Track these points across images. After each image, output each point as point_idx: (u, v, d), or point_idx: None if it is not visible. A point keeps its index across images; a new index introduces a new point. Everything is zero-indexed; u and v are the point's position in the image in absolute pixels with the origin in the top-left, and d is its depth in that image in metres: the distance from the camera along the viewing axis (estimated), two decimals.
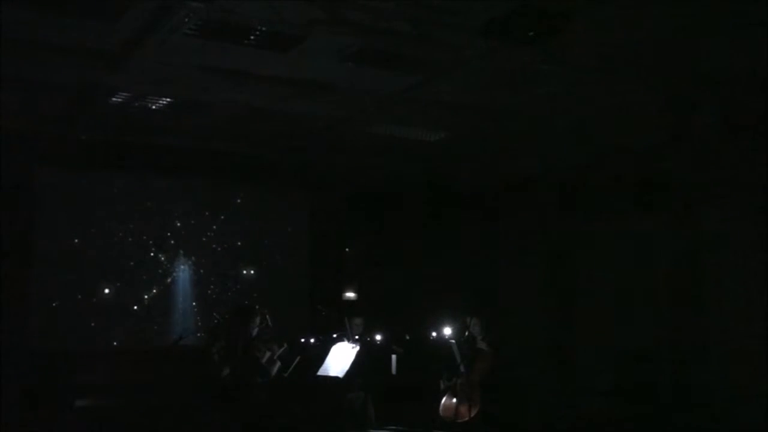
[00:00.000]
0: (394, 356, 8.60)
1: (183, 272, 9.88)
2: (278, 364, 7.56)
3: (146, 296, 9.60)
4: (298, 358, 7.86)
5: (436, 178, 10.90)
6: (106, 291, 9.32)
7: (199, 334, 9.18)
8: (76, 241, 9.19)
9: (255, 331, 7.52)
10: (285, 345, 7.59)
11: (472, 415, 7.48)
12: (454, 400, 7.74)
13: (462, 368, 7.69)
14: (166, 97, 7.71)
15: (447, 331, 8.14)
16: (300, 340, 8.94)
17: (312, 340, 8.93)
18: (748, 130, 7.96)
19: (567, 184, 10.17)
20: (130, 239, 9.53)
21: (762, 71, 6.71)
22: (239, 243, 10.25)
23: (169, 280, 9.79)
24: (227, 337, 7.59)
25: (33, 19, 5.73)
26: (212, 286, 10.05)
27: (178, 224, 9.87)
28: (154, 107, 7.98)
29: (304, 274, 10.52)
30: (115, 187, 9.48)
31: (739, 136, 8.08)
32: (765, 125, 7.75)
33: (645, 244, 9.22)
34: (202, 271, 10.03)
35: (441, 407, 7.86)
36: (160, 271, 9.74)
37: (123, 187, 9.52)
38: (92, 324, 9.20)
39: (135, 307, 9.52)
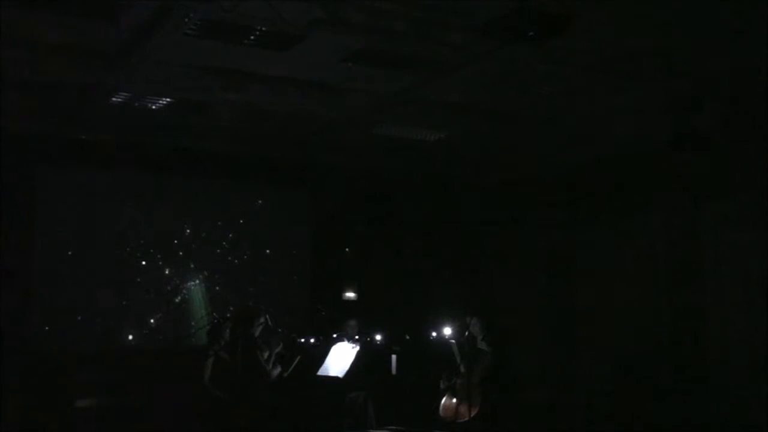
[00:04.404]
0: (394, 356, 8.60)
1: (195, 286, 9.81)
2: (279, 367, 7.58)
3: (153, 317, 9.53)
4: (298, 358, 7.87)
5: (436, 178, 10.90)
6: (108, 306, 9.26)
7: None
8: (73, 251, 9.10)
9: (257, 331, 7.54)
10: (281, 343, 7.61)
11: (472, 415, 7.47)
12: (454, 400, 7.74)
13: (462, 368, 7.69)
14: (166, 97, 7.71)
15: (447, 331, 8.13)
16: (300, 340, 8.94)
17: (312, 340, 8.94)
18: (748, 130, 7.96)
19: (567, 183, 10.17)
20: (136, 249, 9.51)
21: (762, 71, 6.71)
22: (258, 251, 10.12)
23: (178, 298, 9.73)
24: (229, 337, 7.61)
25: (33, 19, 5.73)
26: (231, 307, 9.76)
27: (188, 231, 9.84)
28: (154, 107, 7.98)
29: (304, 274, 10.52)
30: (115, 188, 9.45)
31: (739, 136, 8.08)
32: (765, 125, 7.75)
33: (645, 244, 9.22)
34: (217, 287, 9.95)
35: (441, 407, 7.85)
36: (168, 288, 9.71)
37: (122, 188, 9.49)
38: (94, 326, 9.18)
39: (142, 327, 9.46)
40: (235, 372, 7.36)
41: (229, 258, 10.06)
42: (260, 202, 10.34)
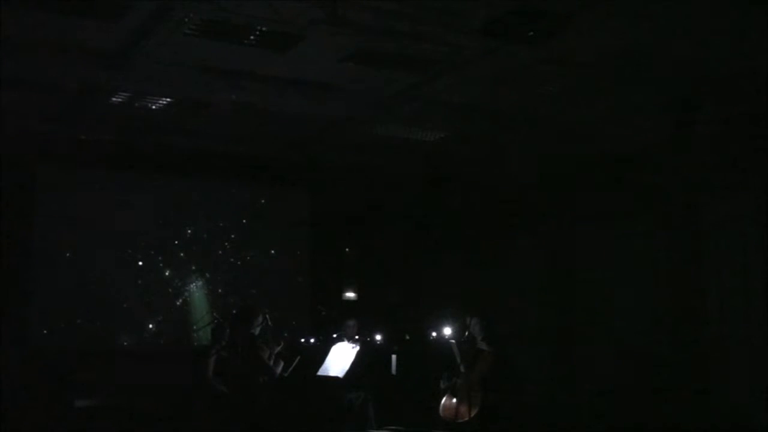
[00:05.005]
0: (394, 356, 8.60)
1: (195, 287, 9.78)
2: (282, 363, 7.60)
3: (153, 319, 9.51)
4: (298, 358, 7.87)
5: (435, 177, 10.90)
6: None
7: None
8: (72, 252, 9.09)
9: (257, 331, 7.55)
10: (282, 343, 7.63)
11: (472, 415, 7.47)
12: (454, 400, 7.73)
13: (462, 368, 7.69)
14: (166, 97, 7.72)
15: (447, 331, 8.13)
16: (300, 340, 8.94)
17: (312, 340, 8.93)
18: (748, 130, 7.96)
19: (567, 183, 10.16)
20: (136, 251, 9.50)
21: (762, 71, 6.71)
22: (258, 251, 10.10)
23: (179, 301, 9.70)
24: (229, 337, 7.61)
25: (33, 19, 5.73)
26: (232, 307, 9.61)
27: (189, 232, 9.83)
28: (154, 107, 7.98)
29: (304, 274, 10.51)
30: (115, 189, 9.45)
31: (739, 136, 8.08)
32: (765, 125, 7.75)
33: (645, 244, 9.22)
34: (218, 288, 9.95)
35: (441, 407, 7.85)
36: (170, 290, 9.69)
37: (122, 188, 9.49)
38: (94, 328, 9.16)
39: (142, 329, 9.42)
40: (236, 372, 7.37)
41: (231, 259, 10.06)
42: (261, 202, 10.33)
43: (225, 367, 7.62)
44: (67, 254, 9.09)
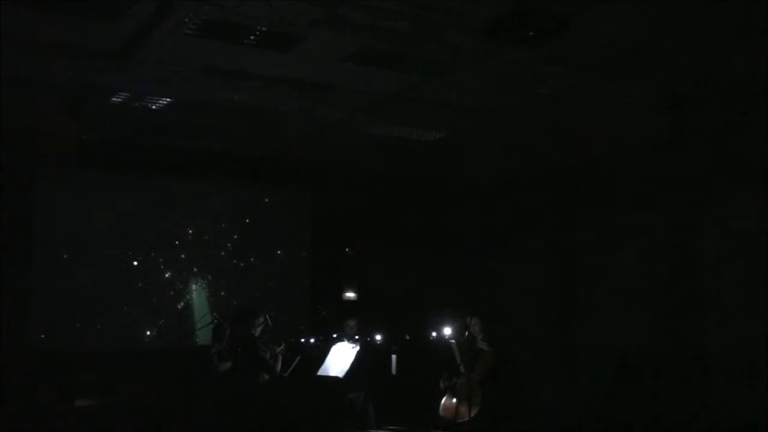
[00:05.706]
0: (394, 356, 8.60)
1: (196, 288, 9.77)
2: (280, 360, 7.62)
3: (154, 320, 9.49)
4: (298, 358, 7.88)
5: (435, 177, 10.90)
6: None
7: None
8: (72, 253, 9.06)
9: (257, 332, 7.56)
10: (283, 344, 7.64)
11: (472, 415, 7.49)
12: (454, 400, 7.75)
13: (462, 368, 7.70)
14: (166, 97, 7.72)
15: (447, 331, 8.14)
16: (300, 340, 8.95)
17: (312, 340, 8.94)
18: (748, 130, 7.96)
19: (566, 183, 10.17)
20: (137, 252, 9.48)
21: (762, 71, 6.71)
22: (258, 252, 10.09)
23: (180, 303, 9.68)
24: (229, 338, 7.62)
25: (33, 19, 5.73)
26: (232, 308, 9.60)
27: (190, 232, 9.81)
28: (154, 107, 7.98)
29: (304, 274, 10.51)
30: (115, 189, 9.44)
31: (739, 136, 8.09)
32: (765, 125, 7.75)
33: (645, 244, 9.22)
34: (219, 289, 9.92)
35: (441, 407, 7.87)
36: (171, 292, 9.68)
37: (122, 188, 9.47)
38: (93, 330, 9.16)
39: (142, 330, 9.41)
40: (236, 372, 7.37)
41: (232, 260, 10.04)
42: (262, 202, 10.32)
43: (224, 367, 7.64)
44: (67, 254, 9.08)
